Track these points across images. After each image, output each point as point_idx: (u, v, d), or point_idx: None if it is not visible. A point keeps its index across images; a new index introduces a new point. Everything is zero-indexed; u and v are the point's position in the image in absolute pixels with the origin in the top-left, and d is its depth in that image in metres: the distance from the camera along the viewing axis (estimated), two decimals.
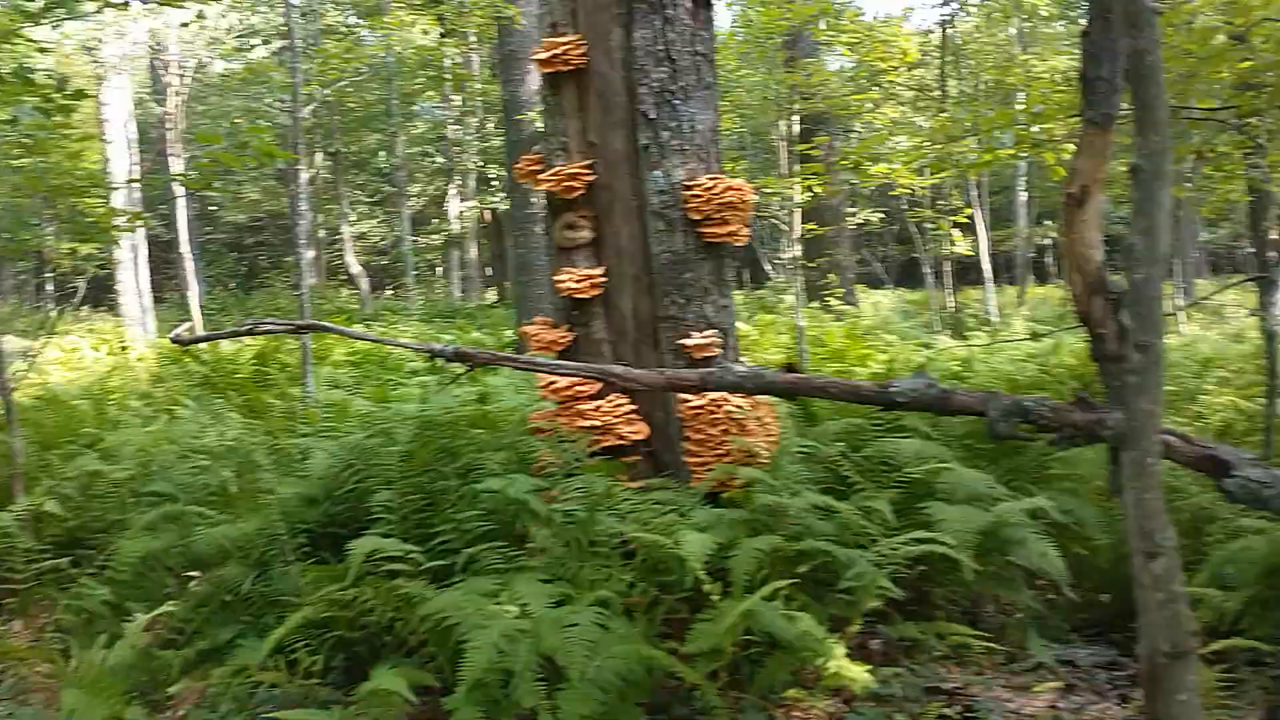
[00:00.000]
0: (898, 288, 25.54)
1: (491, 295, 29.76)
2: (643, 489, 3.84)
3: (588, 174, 4.20)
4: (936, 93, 12.10)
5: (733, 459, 3.98)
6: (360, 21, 21.25)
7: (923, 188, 13.76)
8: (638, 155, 4.19)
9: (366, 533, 3.70)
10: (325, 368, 8.26)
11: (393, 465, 3.91)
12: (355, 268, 24.29)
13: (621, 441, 4.07)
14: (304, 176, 27.96)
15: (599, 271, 4.21)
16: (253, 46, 20.09)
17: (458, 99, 24.56)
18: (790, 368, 3.12)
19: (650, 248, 4.18)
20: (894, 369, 8.22)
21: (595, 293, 4.20)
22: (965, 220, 14.82)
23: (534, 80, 9.17)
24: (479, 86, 24.28)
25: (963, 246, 15.56)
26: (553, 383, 4.15)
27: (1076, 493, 4.44)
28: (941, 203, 15.04)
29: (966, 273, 19.26)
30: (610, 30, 4.22)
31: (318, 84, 9.19)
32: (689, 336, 4.10)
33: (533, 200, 9.11)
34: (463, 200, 27.14)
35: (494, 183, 26.32)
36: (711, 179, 4.10)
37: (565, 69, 4.22)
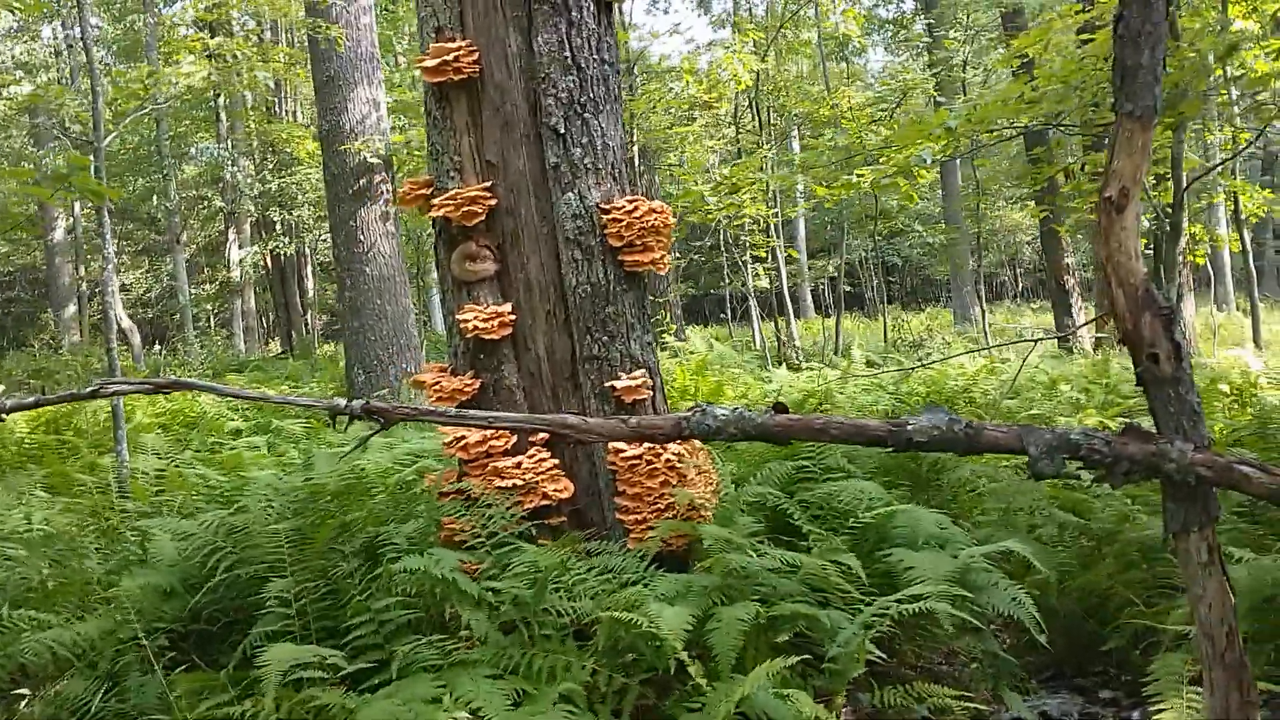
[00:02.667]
0: (712, 324, 25.76)
1: (275, 346, 28.14)
2: (576, 555, 3.33)
3: (489, 198, 3.68)
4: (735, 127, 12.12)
5: (675, 513, 3.53)
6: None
7: (735, 223, 13.78)
8: (544, 175, 3.70)
9: (254, 630, 3.04)
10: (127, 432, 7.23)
11: (277, 547, 3.23)
12: (125, 321, 22.33)
13: (547, 501, 3.55)
14: (61, 226, 25.72)
15: (508, 308, 3.68)
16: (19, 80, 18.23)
17: (237, 139, 23.20)
18: (780, 407, 2.71)
19: (565, 279, 3.69)
20: (752, 403, 7.97)
21: (505, 332, 3.66)
22: (763, 255, 14.96)
23: (357, 108, 8.49)
24: (252, 126, 23.02)
25: (764, 280, 15.70)
26: (461, 439, 3.59)
27: (1009, 524, 4.24)
28: (745, 239, 15.13)
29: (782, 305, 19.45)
30: (507, 35, 3.72)
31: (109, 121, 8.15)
32: (617, 378, 3.63)
33: (361, 239, 8.39)
34: (241, 246, 25.60)
35: (277, 226, 24.95)
36: (631, 201, 3.66)
37: (456, 79, 3.69)
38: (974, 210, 13.48)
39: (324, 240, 28.38)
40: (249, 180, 23.19)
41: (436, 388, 3.70)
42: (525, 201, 3.72)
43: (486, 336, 3.62)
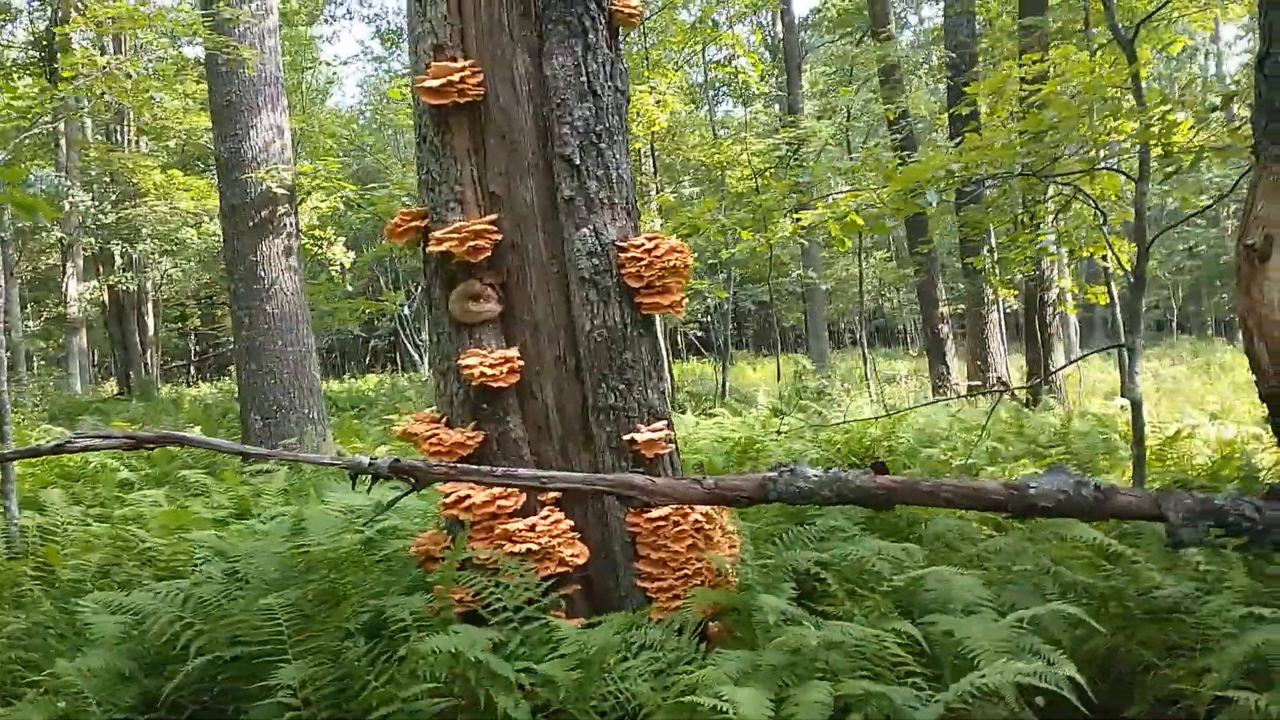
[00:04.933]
0: None
1: (111, 387, 26.43)
2: (592, 626, 2.99)
3: (494, 232, 3.34)
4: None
5: (703, 580, 3.23)
6: None
7: None
8: (554, 209, 3.39)
9: None
10: None
11: (273, 624, 2.78)
12: None
13: (563, 568, 3.20)
14: None
15: (516, 353, 3.33)
16: None
17: (76, 167, 21.78)
18: (880, 467, 2.46)
19: (577, 322, 3.37)
20: (732, 451, 7.74)
21: (513, 380, 3.31)
22: None
23: (260, 134, 7.90)
24: (92, 154, 21.71)
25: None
26: (464, 498, 3.21)
27: (1013, 583, 4.09)
28: None
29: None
30: (514, 56, 3.41)
31: None
32: (635, 430, 3.31)
33: (262, 275, 7.78)
34: (80, 280, 24.03)
35: (117, 260, 23.51)
36: (650, 238, 3.38)
37: (461, 102, 3.35)
38: (859, 265, 13.68)
39: (168, 276, 27.02)
40: (90, 211, 21.78)
41: (433, 441, 3.31)
42: (533, 236, 3.40)
43: (494, 384, 3.26)
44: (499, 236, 3.36)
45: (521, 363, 3.35)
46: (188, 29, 6.87)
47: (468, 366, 3.26)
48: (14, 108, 5.99)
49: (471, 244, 3.29)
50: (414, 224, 3.46)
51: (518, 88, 3.41)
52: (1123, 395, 11.31)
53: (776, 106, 22.69)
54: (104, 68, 6.50)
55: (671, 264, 3.37)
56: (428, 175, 3.47)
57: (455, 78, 3.31)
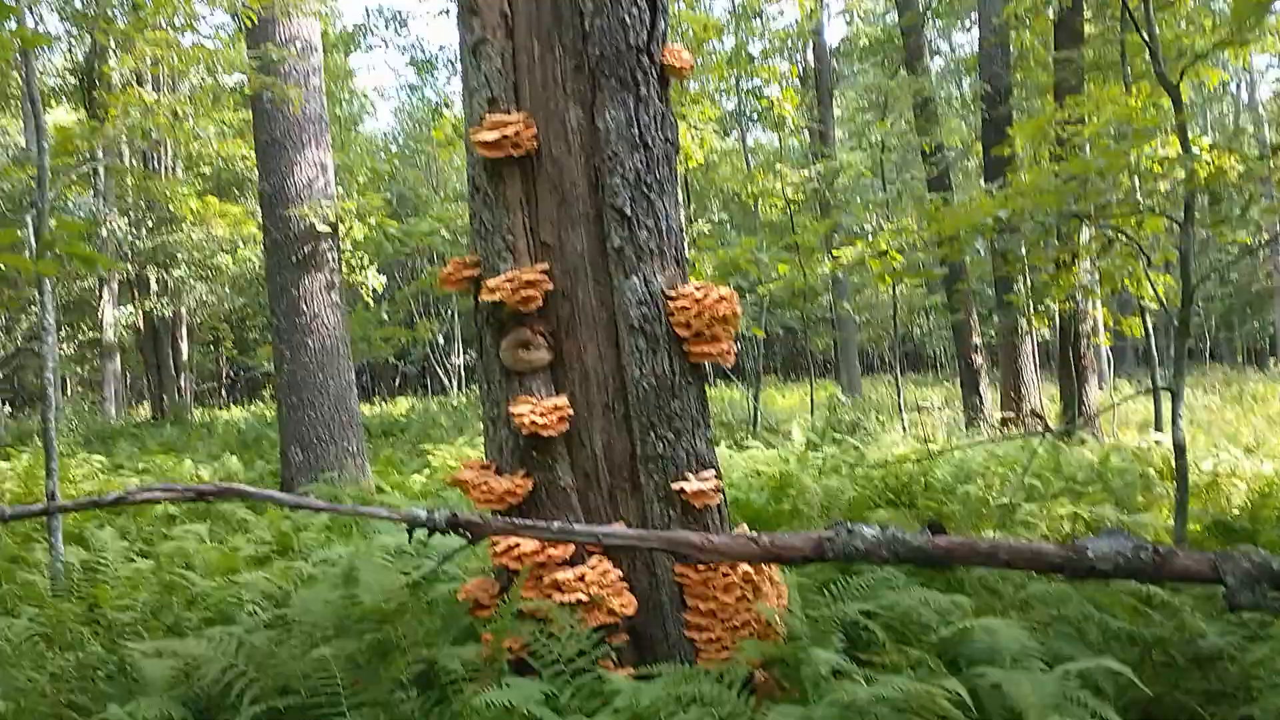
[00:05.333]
0: None
1: (144, 410, 26.67)
2: (641, 678, 3.00)
3: (546, 281, 3.38)
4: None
5: (752, 631, 3.24)
6: None
7: None
8: (604, 258, 3.43)
9: None
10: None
11: (327, 675, 2.81)
12: None
13: (612, 619, 3.21)
14: None
15: (565, 401, 3.37)
16: None
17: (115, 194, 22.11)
18: (937, 528, 2.47)
19: (626, 370, 3.39)
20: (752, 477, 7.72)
21: (563, 428, 3.34)
22: None
23: (304, 171, 8.02)
24: (130, 181, 22.02)
25: None
26: (513, 546, 3.23)
27: (1060, 633, 4.06)
28: None
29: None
30: (566, 109, 3.46)
31: None
32: (684, 479, 3.33)
33: (304, 309, 7.88)
34: (116, 305, 24.36)
35: (152, 285, 23.80)
36: (699, 287, 3.41)
37: (515, 154, 3.40)
38: (892, 295, 13.66)
39: (203, 300, 27.29)
40: (128, 237, 22.09)
41: (484, 489, 3.34)
42: (583, 285, 3.43)
43: (543, 433, 3.29)
44: (550, 285, 3.40)
45: (571, 411, 3.38)
46: (237, 69, 6.98)
47: (518, 414, 3.29)
48: (62, 148, 6.11)
49: (523, 293, 3.33)
50: (467, 273, 3.50)
51: (570, 139, 3.45)
52: (1157, 429, 11.22)
53: (806, 134, 22.82)
54: (149, 106, 6.62)
55: (720, 313, 3.39)
56: (480, 224, 3.51)
57: (510, 131, 3.36)
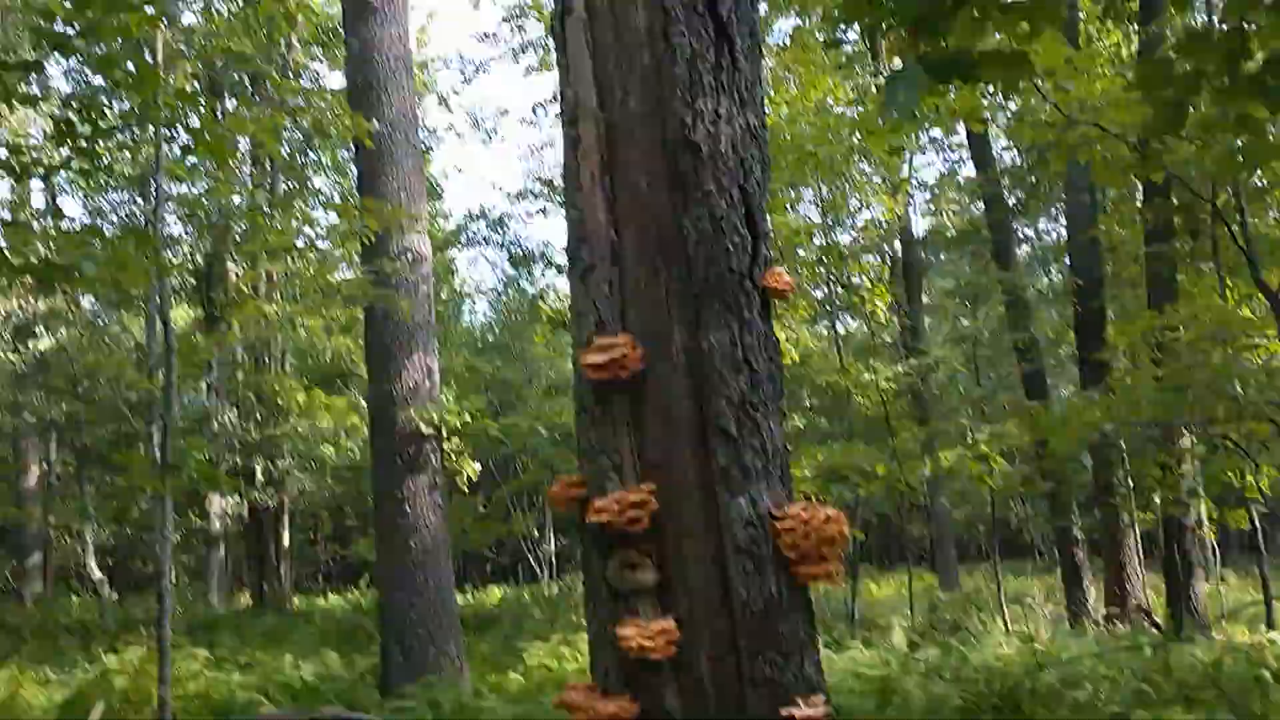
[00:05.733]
0: None
1: (244, 598, 26.97)
2: None
3: (653, 502, 3.43)
4: None
5: None
6: None
7: None
8: (708, 478, 3.47)
9: None
10: None
11: None
12: (96, 574, 21.52)
13: None
14: (35, 473, 25.06)
15: (672, 623, 3.36)
16: None
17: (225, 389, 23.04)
18: None
19: (732, 592, 3.38)
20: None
21: (670, 651, 3.32)
22: None
23: (411, 375, 8.33)
24: (240, 376, 22.96)
25: None
26: None
27: None
28: None
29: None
30: (671, 331, 3.58)
31: None
32: (794, 704, 3.27)
33: (408, 510, 8.05)
34: (223, 496, 24.99)
35: (258, 476, 24.43)
36: (805, 508, 3.42)
37: (621, 375, 3.51)
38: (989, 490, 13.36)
39: (304, 489, 27.89)
40: (236, 430, 22.87)
41: (590, 713, 3.31)
42: (688, 506, 3.47)
43: (651, 656, 3.28)
44: (656, 506, 3.44)
45: (678, 634, 3.36)
46: (357, 289, 7.41)
47: (625, 637, 3.29)
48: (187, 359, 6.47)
49: (630, 514, 3.37)
50: (573, 492, 3.58)
51: (675, 361, 3.56)
52: (1269, 627, 10.58)
53: (896, 320, 22.97)
54: (268, 320, 7.02)
55: (828, 534, 3.39)
56: (587, 444, 3.61)
57: (616, 354, 3.49)
